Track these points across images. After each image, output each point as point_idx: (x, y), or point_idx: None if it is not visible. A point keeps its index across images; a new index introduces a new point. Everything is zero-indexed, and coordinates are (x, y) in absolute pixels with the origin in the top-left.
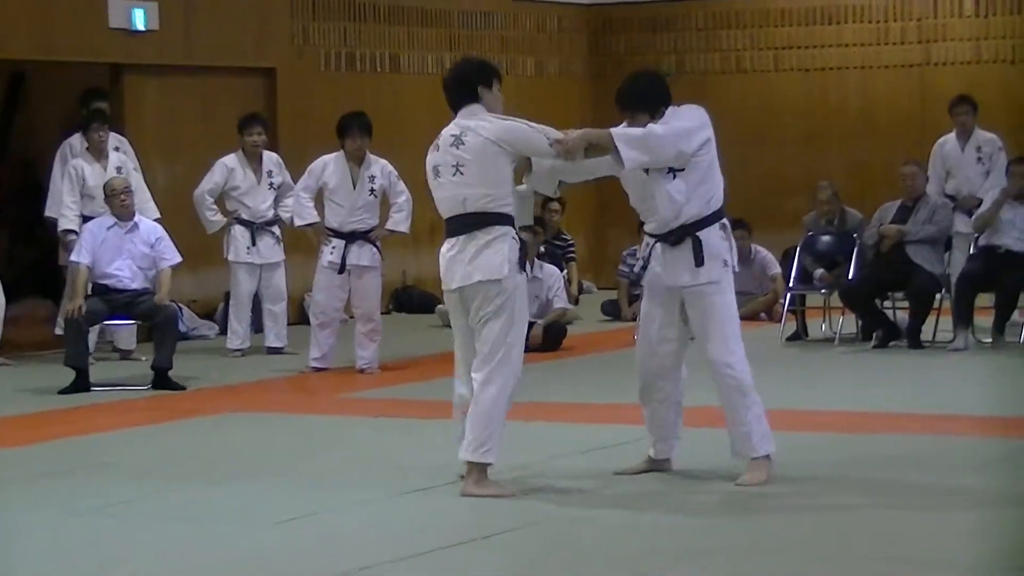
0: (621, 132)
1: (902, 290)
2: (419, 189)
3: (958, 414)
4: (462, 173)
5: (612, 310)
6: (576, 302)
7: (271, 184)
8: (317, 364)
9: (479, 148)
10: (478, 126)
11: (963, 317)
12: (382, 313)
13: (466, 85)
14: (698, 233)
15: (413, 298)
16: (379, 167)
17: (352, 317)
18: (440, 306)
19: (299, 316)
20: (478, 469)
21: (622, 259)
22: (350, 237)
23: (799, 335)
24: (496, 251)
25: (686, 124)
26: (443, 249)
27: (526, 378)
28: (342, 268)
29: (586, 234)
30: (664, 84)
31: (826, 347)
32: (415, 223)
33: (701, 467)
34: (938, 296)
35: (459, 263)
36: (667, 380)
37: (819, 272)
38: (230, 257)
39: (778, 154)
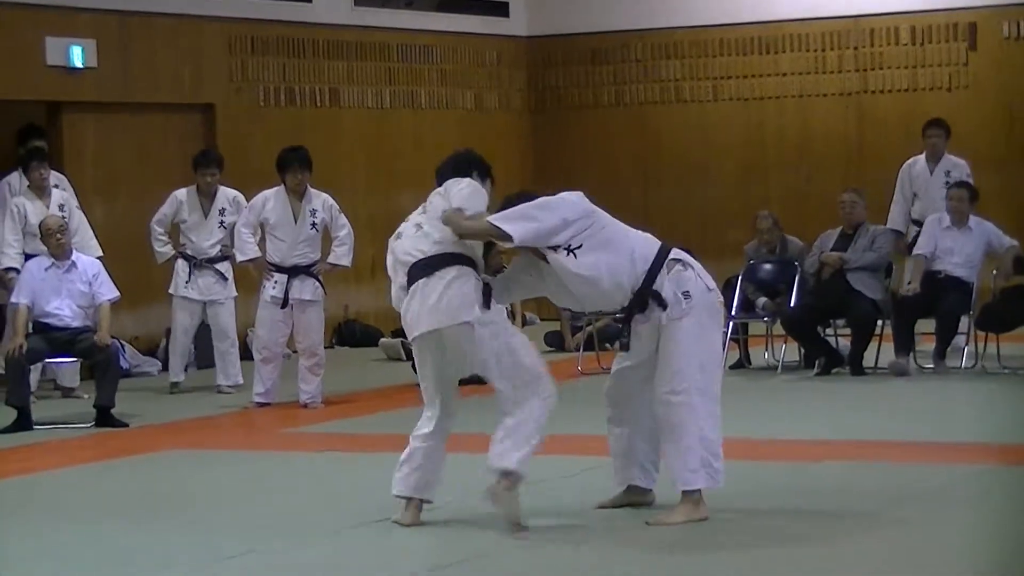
0: (501, 215)
1: (843, 317)
2: (360, 223)
3: (902, 441)
4: (420, 228)
5: (555, 341)
6: None
7: (222, 223)
8: (260, 399)
9: (437, 210)
10: (440, 190)
11: (904, 343)
12: (325, 347)
13: (462, 167)
14: (653, 286)
15: (356, 332)
16: (320, 201)
17: (295, 352)
18: (383, 339)
19: (242, 351)
20: (514, 479)
21: None
22: (292, 272)
23: (742, 363)
24: (457, 291)
25: (562, 198)
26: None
27: (470, 412)
28: (284, 303)
29: None
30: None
31: (769, 375)
32: (357, 257)
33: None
34: (879, 323)
35: (427, 305)
36: (634, 405)
37: (761, 300)
38: (171, 290)
39: (718, 183)
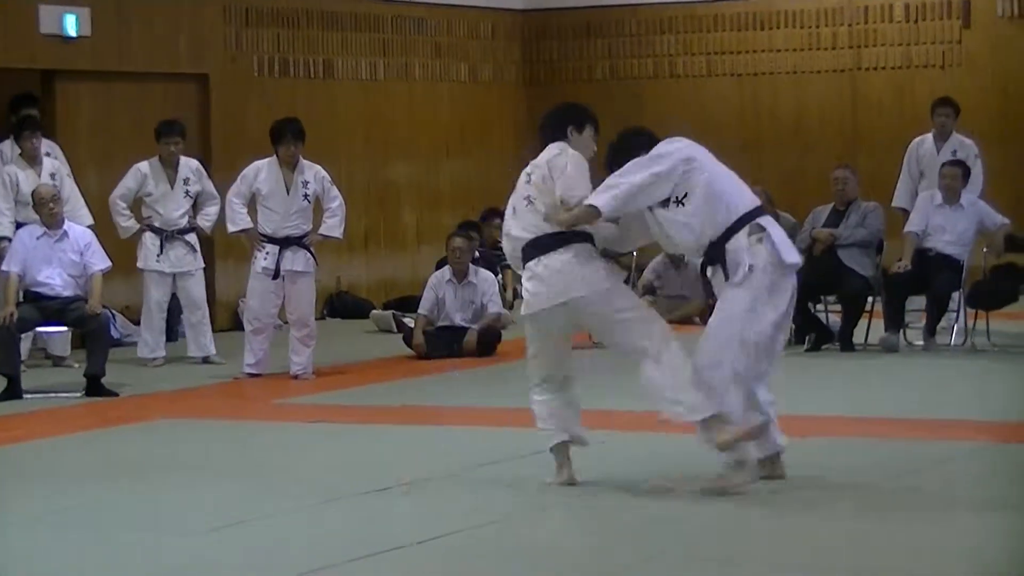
0: (591, 194)
1: (834, 293)
2: (352, 194)
3: (891, 417)
4: (532, 203)
5: None
6: (511, 307)
7: (187, 192)
8: (251, 370)
9: (540, 183)
10: (542, 162)
11: (895, 320)
12: (316, 319)
13: (558, 124)
14: (726, 245)
15: (347, 303)
16: (312, 173)
17: (286, 323)
18: (375, 311)
19: (233, 322)
20: (711, 421)
21: None
22: (284, 243)
23: None
24: (589, 265)
25: (654, 152)
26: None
27: (461, 383)
28: (276, 274)
29: None
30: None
31: None
32: (348, 229)
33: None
34: (870, 299)
35: (555, 280)
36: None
37: None
38: (140, 264)
39: None
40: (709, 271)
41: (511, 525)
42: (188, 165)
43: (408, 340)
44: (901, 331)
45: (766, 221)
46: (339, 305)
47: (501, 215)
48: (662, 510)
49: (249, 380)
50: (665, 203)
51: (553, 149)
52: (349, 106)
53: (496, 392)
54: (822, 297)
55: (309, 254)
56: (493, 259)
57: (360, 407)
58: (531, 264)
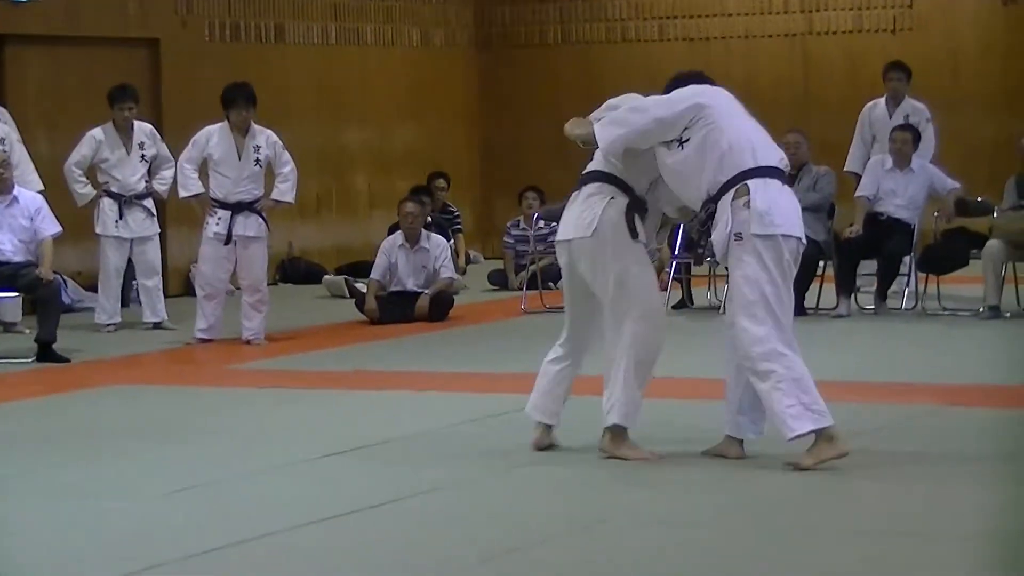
0: (603, 120)
1: None
2: (304, 159)
3: (842, 380)
4: None
5: (499, 280)
6: (463, 272)
7: (143, 156)
8: (203, 335)
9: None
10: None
11: (846, 284)
12: (268, 284)
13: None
14: (717, 203)
15: (300, 269)
16: (264, 137)
17: (238, 288)
18: (327, 277)
19: (185, 287)
20: (612, 429)
21: (506, 230)
22: (236, 208)
23: (685, 303)
24: (590, 207)
25: (667, 95)
26: None
27: (414, 348)
28: (228, 239)
29: (473, 205)
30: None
31: (711, 315)
32: (301, 193)
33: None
34: (821, 263)
35: (564, 219)
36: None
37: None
38: (98, 230)
39: None
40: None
41: (464, 489)
42: (142, 129)
43: (360, 305)
44: (852, 295)
45: (761, 182)
46: (291, 270)
47: (444, 176)
48: (625, 474)
49: (201, 345)
50: (668, 143)
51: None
52: (301, 71)
53: (448, 357)
54: None
55: (261, 219)
56: (445, 224)
57: (312, 372)
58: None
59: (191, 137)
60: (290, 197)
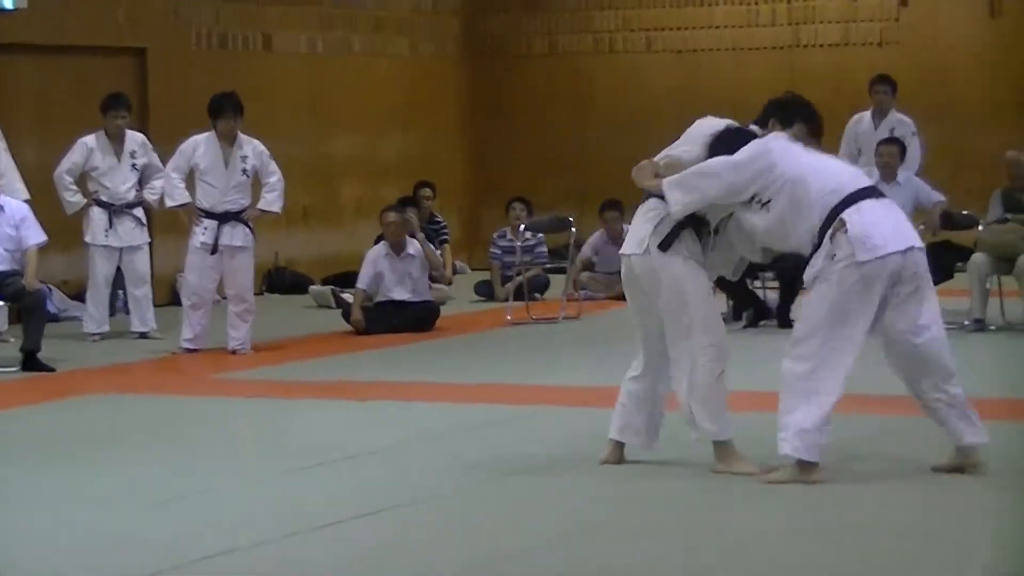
0: (673, 178)
1: (772, 270)
2: (291, 169)
3: None
4: None
5: (485, 291)
6: (450, 283)
7: (133, 165)
8: (189, 345)
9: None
10: (708, 120)
11: None
12: (255, 294)
13: (768, 111)
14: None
15: (286, 279)
16: (251, 147)
17: (224, 298)
18: (313, 287)
19: (171, 297)
20: (716, 446)
21: (492, 241)
22: (223, 218)
23: None
24: (647, 222)
25: (734, 158)
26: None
27: (400, 358)
28: (214, 249)
29: (460, 215)
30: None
31: None
32: (288, 203)
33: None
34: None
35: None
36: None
37: None
38: (87, 239)
39: (649, 135)
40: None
41: (450, 500)
42: (134, 139)
43: (347, 316)
44: None
45: (855, 208)
46: (278, 280)
47: (430, 185)
48: (610, 485)
49: (187, 355)
50: (748, 203)
51: (718, 125)
52: (288, 80)
53: (434, 367)
54: (759, 273)
55: (248, 229)
56: (432, 234)
57: (299, 382)
58: None
59: (178, 146)
60: (277, 207)
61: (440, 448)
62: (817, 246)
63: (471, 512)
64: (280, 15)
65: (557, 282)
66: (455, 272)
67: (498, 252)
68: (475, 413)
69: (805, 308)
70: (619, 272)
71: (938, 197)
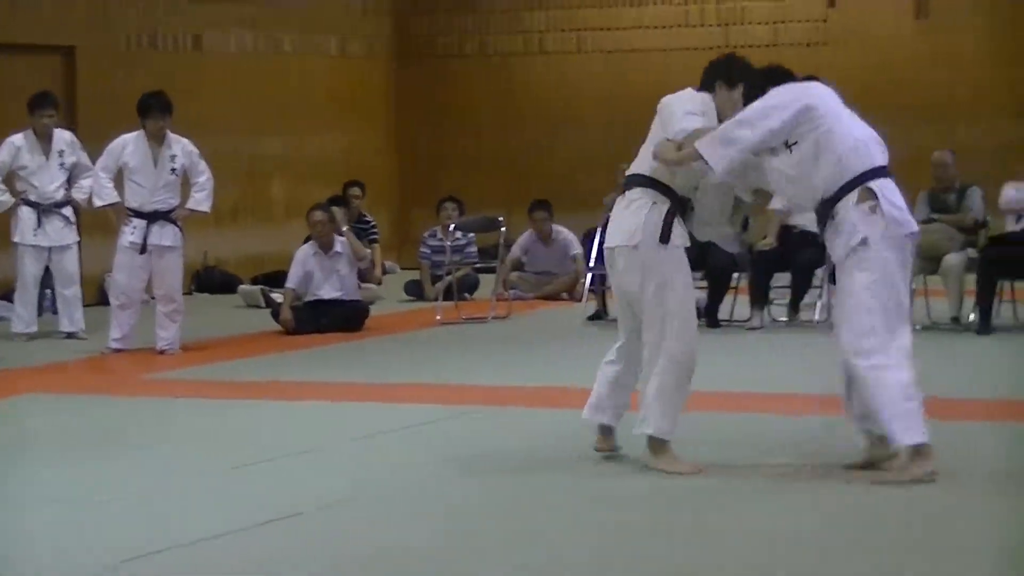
0: (705, 139)
1: (700, 270)
2: (220, 168)
3: (757, 392)
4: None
5: (415, 290)
6: (379, 283)
7: (62, 164)
8: (117, 345)
9: (656, 117)
10: (667, 96)
11: (759, 296)
12: (183, 294)
13: (710, 73)
14: (837, 205)
15: (215, 279)
16: (180, 147)
17: (153, 298)
18: (243, 286)
19: (99, 297)
20: (652, 440)
21: (422, 241)
22: (151, 217)
23: (600, 315)
24: (634, 214)
25: (770, 102)
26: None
27: (330, 358)
28: (143, 248)
29: (389, 215)
30: (738, 64)
31: None
32: (217, 203)
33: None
34: (735, 275)
35: (610, 224)
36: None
37: None
38: (16, 239)
39: (580, 135)
40: (828, 227)
41: (380, 499)
42: (62, 137)
43: (276, 315)
44: (766, 307)
45: (881, 184)
46: (207, 280)
47: (360, 186)
48: (542, 484)
49: (115, 355)
50: (774, 149)
51: (685, 91)
52: (218, 80)
53: (364, 367)
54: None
55: (177, 228)
56: (361, 234)
57: (228, 382)
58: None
59: (107, 145)
60: (206, 206)
61: (370, 448)
62: (829, 202)
63: (403, 511)
64: (210, 14)
65: (487, 281)
66: (385, 272)
67: (428, 251)
68: (405, 413)
69: (850, 300)
70: (547, 272)
71: None
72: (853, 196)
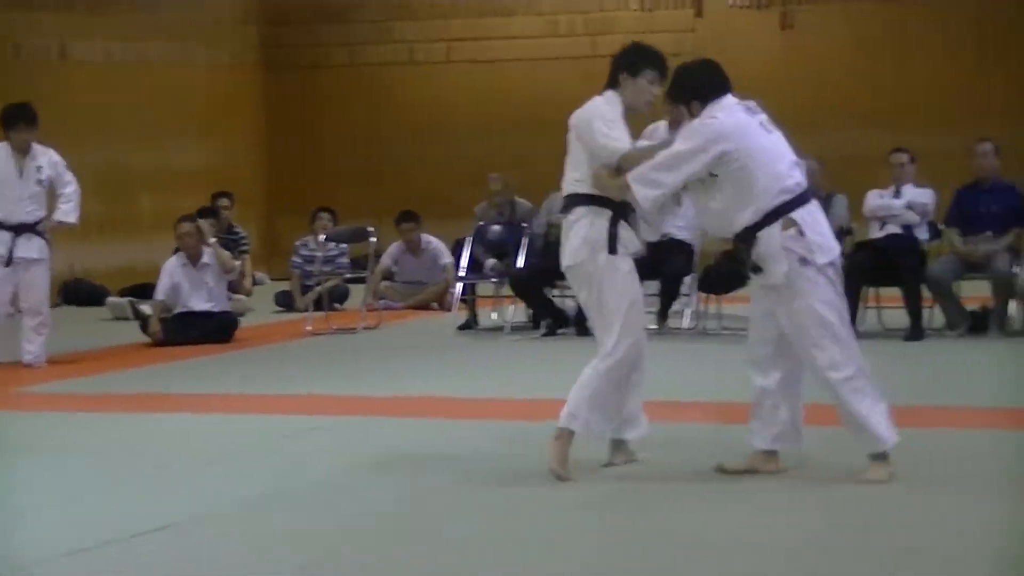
0: (634, 173)
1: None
2: (87, 180)
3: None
4: (569, 157)
5: (285, 301)
6: (249, 294)
7: None
8: None
9: (573, 134)
10: (578, 112)
11: None
12: (51, 306)
13: (612, 69)
14: (757, 233)
15: (82, 291)
16: (46, 158)
17: (19, 311)
18: (110, 298)
19: None
20: (562, 432)
21: (294, 250)
22: (17, 229)
23: (470, 324)
24: (576, 234)
25: (689, 145)
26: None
27: (199, 370)
28: (8, 261)
29: (258, 226)
30: (700, 76)
31: (497, 336)
32: (84, 214)
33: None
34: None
35: (562, 247)
36: (760, 372)
37: (490, 262)
38: None
39: (450, 145)
40: (751, 258)
41: (248, 512)
42: None
43: (145, 327)
44: None
45: (802, 213)
46: (74, 292)
47: (229, 197)
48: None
49: None
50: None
51: (591, 102)
52: (85, 90)
53: (234, 379)
54: (558, 282)
55: (43, 240)
56: (231, 245)
57: (98, 395)
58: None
59: None
60: (73, 218)
61: (240, 459)
62: (752, 229)
63: (274, 522)
64: (76, 24)
65: (358, 292)
66: (255, 283)
67: (299, 261)
68: (275, 424)
69: (806, 319)
70: (418, 281)
71: None
72: (777, 226)
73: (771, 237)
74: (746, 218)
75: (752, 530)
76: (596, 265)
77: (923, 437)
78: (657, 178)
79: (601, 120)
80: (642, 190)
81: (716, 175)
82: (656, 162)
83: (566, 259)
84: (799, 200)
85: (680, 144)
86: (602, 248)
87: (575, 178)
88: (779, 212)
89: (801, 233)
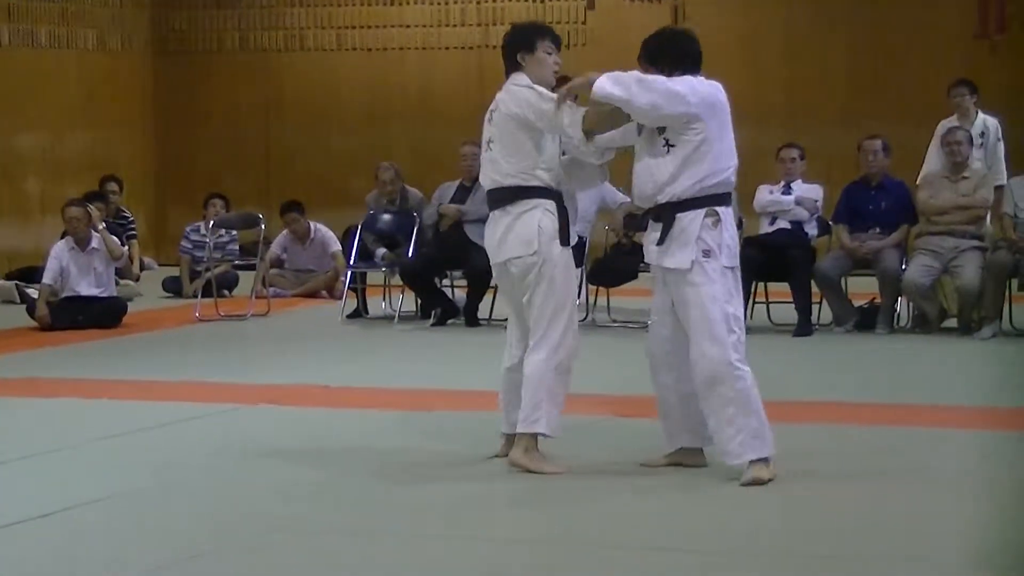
0: (612, 72)
1: (460, 269)
2: None
3: None
4: (491, 148)
5: (173, 287)
6: (137, 279)
7: None
8: None
9: (503, 123)
10: (503, 99)
11: None
12: None
13: (509, 54)
14: (678, 214)
15: None
16: None
17: None
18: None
19: None
20: (528, 439)
21: (184, 235)
22: None
23: (360, 312)
24: (526, 224)
25: (678, 87)
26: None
27: (86, 355)
28: None
29: (147, 211)
30: (686, 45)
31: (386, 325)
32: None
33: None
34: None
35: (496, 238)
36: (665, 369)
37: (380, 251)
38: None
39: (340, 133)
40: (650, 223)
41: (136, 498)
42: None
43: (31, 311)
44: None
45: (725, 212)
46: None
47: (117, 182)
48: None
49: None
50: (655, 136)
51: (514, 83)
52: None
53: (121, 365)
54: (448, 272)
55: None
56: (119, 230)
57: None
58: (492, 215)
59: None
60: None
61: (126, 446)
62: (674, 207)
63: (160, 510)
64: None
65: (247, 279)
66: (143, 268)
67: (189, 246)
68: (161, 411)
69: (700, 311)
70: (307, 270)
71: (623, 198)
72: (701, 212)
73: (691, 222)
74: (679, 188)
75: (655, 532)
76: (551, 256)
77: (810, 433)
78: (630, 84)
79: (537, 96)
80: (608, 82)
81: (672, 148)
82: (640, 76)
83: (510, 251)
84: (727, 199)
85: (670, 81)
86: (555, 239)
87: (519, 169)
88: (709, 201)
89: (716, 225)
